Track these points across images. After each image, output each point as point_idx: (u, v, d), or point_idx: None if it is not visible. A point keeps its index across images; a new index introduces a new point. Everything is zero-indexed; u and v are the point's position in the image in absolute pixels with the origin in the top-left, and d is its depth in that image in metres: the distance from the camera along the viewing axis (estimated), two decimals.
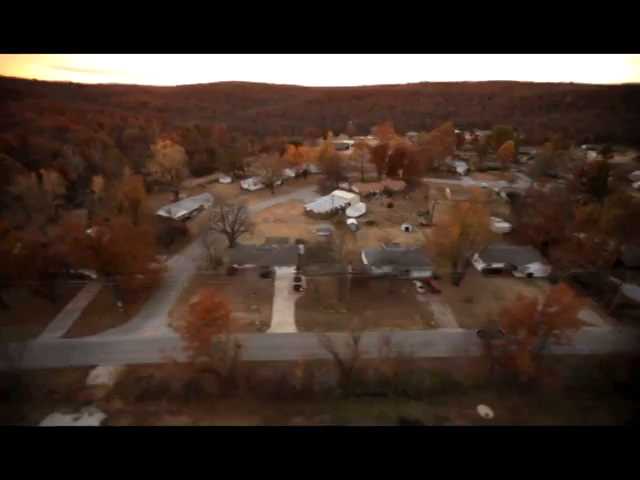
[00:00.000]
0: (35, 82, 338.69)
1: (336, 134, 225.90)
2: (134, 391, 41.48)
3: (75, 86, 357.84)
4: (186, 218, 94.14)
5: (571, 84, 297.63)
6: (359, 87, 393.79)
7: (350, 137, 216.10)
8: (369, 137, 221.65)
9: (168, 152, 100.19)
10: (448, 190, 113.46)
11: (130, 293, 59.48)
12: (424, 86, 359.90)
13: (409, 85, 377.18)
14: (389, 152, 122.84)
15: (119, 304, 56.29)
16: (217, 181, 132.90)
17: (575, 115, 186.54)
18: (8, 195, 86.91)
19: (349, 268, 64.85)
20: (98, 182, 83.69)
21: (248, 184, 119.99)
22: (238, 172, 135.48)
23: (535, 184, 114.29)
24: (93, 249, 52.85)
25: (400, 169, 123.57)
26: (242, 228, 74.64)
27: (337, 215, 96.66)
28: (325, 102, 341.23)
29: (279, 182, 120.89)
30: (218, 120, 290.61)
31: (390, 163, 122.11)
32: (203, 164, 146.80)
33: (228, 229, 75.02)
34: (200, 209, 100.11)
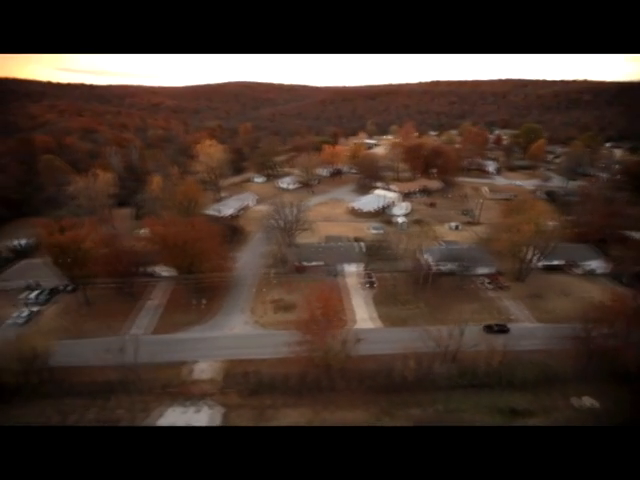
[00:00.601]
0: (49, 84, 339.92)
1: (355, 134, 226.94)
2: (247, 385, 42.47)
3: (87, 87, 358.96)
4: (234, 217, 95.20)
5: (585, 82, 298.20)
6: (370, 87, 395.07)
7: (370, 137, 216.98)
8: (389, 137, 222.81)
9: (213, 152, 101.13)
10: (486, 189, 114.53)
11: (207, 290, 60.65)
12: (436, 85, 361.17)
13: (420, 84, 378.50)
14: (424, 152, 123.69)
15: (203, 301, 57.34)
16: (250, 180, 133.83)
17: (595, 113, 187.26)
18: (64, 195, 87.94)
19: (420, 264, 66.02)
20: (157, 181, 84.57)
21: (286, 183, 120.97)
22: (270, 172, 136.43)
23: (570, 183, 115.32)
24: (180, 247, 53.83)
25: (434, 168, 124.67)
26: (302, 227, 75.51)
27: (383, 214, 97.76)
28: (338, 102, 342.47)
29: (316, 181, 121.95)
30: (232, 120, 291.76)
31: (425, 162, 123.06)
32: (232, 164, 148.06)
33: (286, 228, 75.99)
34: (245, 208, 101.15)
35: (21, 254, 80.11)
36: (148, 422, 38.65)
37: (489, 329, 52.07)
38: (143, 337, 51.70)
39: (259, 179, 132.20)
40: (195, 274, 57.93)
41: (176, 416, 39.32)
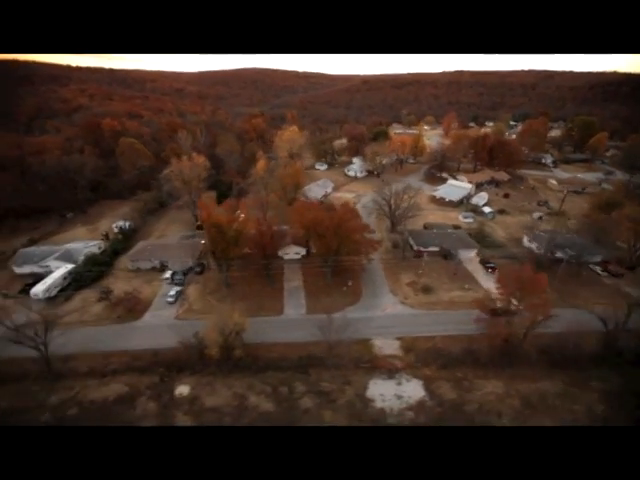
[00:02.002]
0: (69, 67, 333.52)
1: (389, 123, 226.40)
2: (433, 360, 45.00)
3: (107, 72, 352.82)
4: (321, 202, 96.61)
5: (615, 73, 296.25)
6: (395, 75, 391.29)
7: (409, 127, 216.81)
8: (425, 127, 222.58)
9: (295, 137, 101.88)
10: (553, 181, 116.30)
11: (340, 273, 62.75)
12: (460, 75, 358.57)
13: (444, 74, 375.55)
14: (489, 143, 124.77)
15: (349, 283, 59.49)
16: (313, 168, 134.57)
17: (636, 107, 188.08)
18: (160, 179, 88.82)
19: (532, 251, 68.24)
20: (261, 165, 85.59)
21: (354, 171, 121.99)
22: (330, 159, 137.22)
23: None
24: (332, 230, 55.56)
25: (497, 160, 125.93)
26: (410, 213, 77.16)
27: (463, 203, 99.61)
28: (364, 91, 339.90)
29: (382, 170, 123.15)
30: (257, 107, 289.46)
31: (490, 154, 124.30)
32: None
33: (395, 214, 77.79)
34: (326, 194, 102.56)
35: (127, 236, 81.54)
36: (356, 393, 41.08)
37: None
38: (298, 317, 54.19)
39: (321, 166, 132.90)
40: (324, 256, 59.80)
41: (380, 388, 41.80)
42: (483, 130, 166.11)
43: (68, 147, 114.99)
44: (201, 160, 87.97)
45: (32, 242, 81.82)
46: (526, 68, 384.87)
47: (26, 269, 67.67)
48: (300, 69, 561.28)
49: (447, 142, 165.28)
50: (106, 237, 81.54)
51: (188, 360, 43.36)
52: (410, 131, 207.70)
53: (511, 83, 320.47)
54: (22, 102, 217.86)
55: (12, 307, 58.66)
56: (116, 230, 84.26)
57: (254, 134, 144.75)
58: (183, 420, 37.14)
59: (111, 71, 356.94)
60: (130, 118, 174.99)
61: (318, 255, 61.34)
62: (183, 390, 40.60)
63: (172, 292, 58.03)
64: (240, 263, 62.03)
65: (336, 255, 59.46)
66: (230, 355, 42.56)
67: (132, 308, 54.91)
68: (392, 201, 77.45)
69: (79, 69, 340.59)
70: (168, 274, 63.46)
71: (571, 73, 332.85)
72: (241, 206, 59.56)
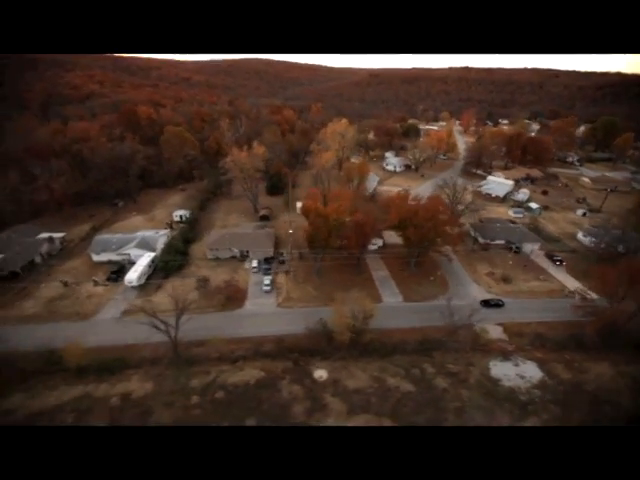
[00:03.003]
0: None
1: (407, 119, 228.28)
2: (541, 343, 48.01)
3: (110, 58, 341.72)
4: (373, 196, 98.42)
5: (619, 74, 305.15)
6: (404, 70, 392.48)
7: (427, 123, 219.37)
8: (441, 123, 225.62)
9: (347, 130, 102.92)
10: (586, 179, 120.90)
11: (424, 263, 65.22)
12: (467, 72, 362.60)
13: (452, 70, 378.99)
14: (523, 141, 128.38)
15: (438, 273, 61.95)
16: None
17: None
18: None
19: (590, 245, 72.01)
20: (327, 157, 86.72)
21: (393, 165, 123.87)
22: (364, 153, 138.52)
23: None
24: (428, 220, 57.64)
25: (528, 157, 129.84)
26: (472, 207, 79.74)
27: (507, 199, 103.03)
28: (374, 85, 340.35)
29: (419, 165, 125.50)
30: (267, 98, 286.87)
31: (523, 151, 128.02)
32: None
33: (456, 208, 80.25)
34: (375, 188, 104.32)
35: (192, 226, 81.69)
36: (481, 373, 43.75)
37: None
38: (397, 305, 56.41)
39: (355, 160, 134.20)
40: (412, 247, 62.09)
41: (501, 369, 44.57)
42: (506, 128, 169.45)
43: (108, 134, 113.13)
44: (261, 150, 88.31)
45: (94, 230, 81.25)
46: (529, 66, 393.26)
47: (104, 257, 67.59)
48: (302, 61, 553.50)
49: (470, 139, 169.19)
50: (170, 226, 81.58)
51: (317, 345, 45.09)
52: (430, 127, 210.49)
53: (519, 81, 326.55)
54: (30, 87, 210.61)
55: (106, 294, 59.12)
56: (177, 219, 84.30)
57: (286, 126, 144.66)
58: (333, 402, 39.04)
59: (114, 58, 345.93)
60: (153, 106, 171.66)
61: (405, 246, 63.37)
62: (322, 374, 42.43)
63: (267, 281, 59.27)
64: (329, 253, 63.47)
65: (422, 246, 61.81)
66: (359, 340, 44.50)
67: (232, 296, 56.01)
68: (452, 196, 79.78)
69: (83, 55, 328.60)
70: (255, 263, 64.53)
71: (575, 72, 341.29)
72: (345, 197, 60.89)
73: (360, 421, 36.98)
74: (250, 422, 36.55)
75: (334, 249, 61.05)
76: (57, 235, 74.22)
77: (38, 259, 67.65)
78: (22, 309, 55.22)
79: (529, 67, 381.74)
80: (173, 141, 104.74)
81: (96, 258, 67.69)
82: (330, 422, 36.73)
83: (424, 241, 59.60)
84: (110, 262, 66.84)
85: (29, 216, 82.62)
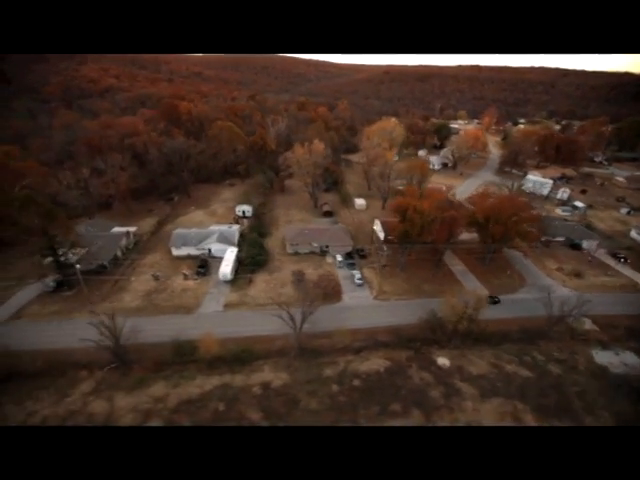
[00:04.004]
0: None
1: (428, 117, 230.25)
2: (632, 334, 51.07)
3: None
4: None
5: (627, 74, 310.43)
6: (416, 67, 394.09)
7: (449, 121, 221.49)
8: (460, 122, 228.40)
9: (395, 128, 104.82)
10: (621, 178, 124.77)
11: (497, 259, 67.83)
12: (478, 70, 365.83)
13: (461, 68, 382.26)
14: (556, 140, 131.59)
15: (516, 267, 64.62)
16: None
17: None
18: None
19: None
20: (391, 154, 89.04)
21: (432, 163, 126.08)
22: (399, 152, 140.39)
23: None
24: (509, 216, 60.11)
25: (561, 157, 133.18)
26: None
27: (548, 198, 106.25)
28: (387, 82, 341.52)
29: (458, 163, 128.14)
30: (280, 94, 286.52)
31: (557, 151, 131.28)
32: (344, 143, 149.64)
33: None
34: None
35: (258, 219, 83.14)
36: (587, 360, 46.55)
37: None
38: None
39: (394, 158, 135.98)
40: (490, 243, 64.67)
41: (603, 357, 47.46)
42: (538, 127, 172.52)
43: (153, 129, 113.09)
44: (321, 147, 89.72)
45: (160, 224, 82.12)
46: (536, 65, 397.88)
47: (184, 251, 68.72)
48: (306, 57, 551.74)
49: (494, 139, 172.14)
50: (235, 221, 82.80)
51: (432, 335, 47.42)
52: (453, 125, 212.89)
53: (530, 80, 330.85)
54: (45, 81, 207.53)
55: (199, 288, 60.38)
56: (240, 214, 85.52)
57: (322, 123, 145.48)
58: (464, 387, 41.42)
59: None
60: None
61: (482, 242, 65.88)
62: (444, 361, 44.79)
63: (358, 275, 61.33)
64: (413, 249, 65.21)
65: (500, 242, 64.33)
66: (472, 329, 46.95)
67: (329, 290, 57.83)
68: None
69: None
70: (339, 257, 66.45)
71: (583, 72, 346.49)
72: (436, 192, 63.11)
73: (494, 404, 39.50)
74: (395, 407, 38.63)
75: (423, 244, 62.90)
76: (132, 229, 75.09)
77: (119, 253, 68.57)
78: (123, 302, 56.39)
79: (536, 66, 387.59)
80: (222, 136, 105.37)
81: (176, 252, 68.81)
82: (468, 405, 39.06)
83: (505, 237, 62.05)
84: (189, 256, 68.08)
85: (96, 210, 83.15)
